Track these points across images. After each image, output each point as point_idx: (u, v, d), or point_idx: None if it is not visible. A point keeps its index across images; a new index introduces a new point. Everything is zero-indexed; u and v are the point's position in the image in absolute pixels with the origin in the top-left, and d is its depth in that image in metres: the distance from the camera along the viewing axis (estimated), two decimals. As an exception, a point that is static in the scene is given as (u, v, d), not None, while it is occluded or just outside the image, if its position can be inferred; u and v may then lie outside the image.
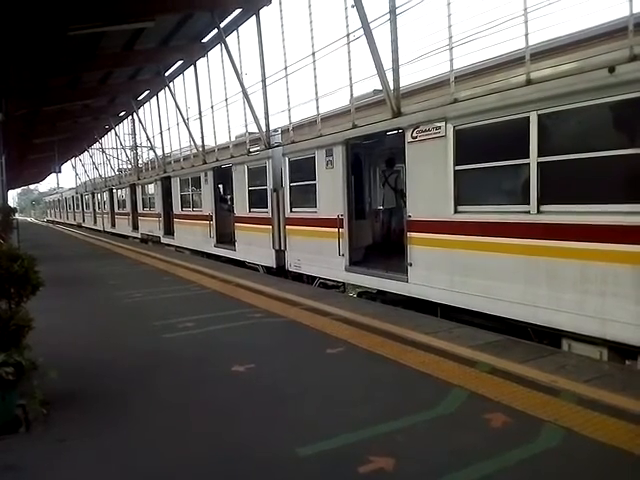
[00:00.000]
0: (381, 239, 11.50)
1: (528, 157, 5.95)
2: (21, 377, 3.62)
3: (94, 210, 36.50)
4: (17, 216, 22.37)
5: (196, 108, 17.19)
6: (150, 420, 3.91)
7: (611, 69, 5.12)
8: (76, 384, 4.59)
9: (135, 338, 6.31)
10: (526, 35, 6.14)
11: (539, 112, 5.86)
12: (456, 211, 7.00)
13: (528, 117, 5.96)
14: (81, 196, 41.57)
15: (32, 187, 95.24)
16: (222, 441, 3.52)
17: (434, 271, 7.41)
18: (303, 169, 10.77)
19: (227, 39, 13.79)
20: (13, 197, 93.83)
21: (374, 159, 12.55)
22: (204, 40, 15.57)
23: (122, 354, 5.62)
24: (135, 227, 25.56)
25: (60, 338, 6.13)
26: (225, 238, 15.38)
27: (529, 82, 6.04)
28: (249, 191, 13.38)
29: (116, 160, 30.45)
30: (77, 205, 43.80)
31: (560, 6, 5.90)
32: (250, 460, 3.26)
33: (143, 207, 24.11)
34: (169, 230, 20.39)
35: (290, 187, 11.32)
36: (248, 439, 3.54)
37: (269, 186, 12.19)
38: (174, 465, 3.24)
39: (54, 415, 3.84)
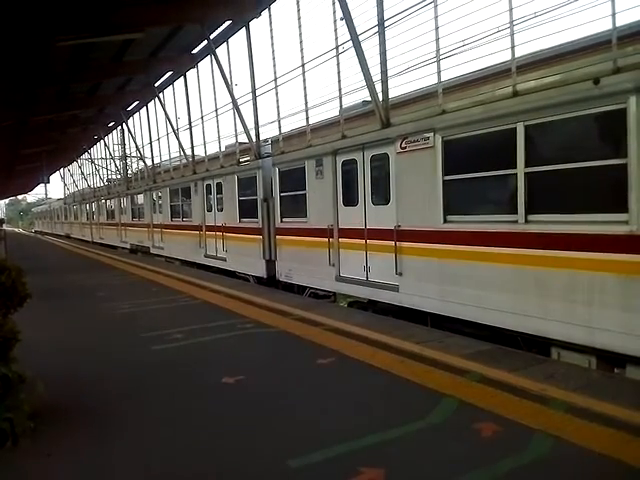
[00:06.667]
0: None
1: (515, 167, 6.03)
2: (8, 390, 3.57)
3: (82, 221, 36.24)
4: (5, 227, 22.12)
5: (186, 118, 17.23)
6: (138, 434, 3.86)
7: (596, 81, 5.22)
8: (63, 397, 4.53)
9: (124, 350, 6.25)
10: (512, 48, 6.26)
11: (525, 123, 5.95)
12: (445, 221, 7.05)
13: (515, 128, 6.04)
14: (69, 206, 41.30)
15: (20, 197, 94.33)
16: (212, 453, 3.48)
17: (424, 281, 7.44)
18: (293, 179, 10.80)
19: (217, 50, 13.86)
20: (1, 208, 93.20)
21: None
22: (194, 51, 15.60)
23: (110, 366, 5.56)
24: (124, 238, 25.39)
25: (47, 350, 6.07)
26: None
27: (515, 94, 6.14)
28: (239, 201, 13.39)
29: (105, 170, 30.33)
30: (65, 216, 43.51)
31: (545, 18, 6.04)
32: (241, 473, 3.23)
33: (132, 217, 23.99)
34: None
35: (280, 197, 11.34)
36: (238, 451, 3.51)
37: (259, 196, 12.21)
38: None
39: (41, 429, 3.78)
